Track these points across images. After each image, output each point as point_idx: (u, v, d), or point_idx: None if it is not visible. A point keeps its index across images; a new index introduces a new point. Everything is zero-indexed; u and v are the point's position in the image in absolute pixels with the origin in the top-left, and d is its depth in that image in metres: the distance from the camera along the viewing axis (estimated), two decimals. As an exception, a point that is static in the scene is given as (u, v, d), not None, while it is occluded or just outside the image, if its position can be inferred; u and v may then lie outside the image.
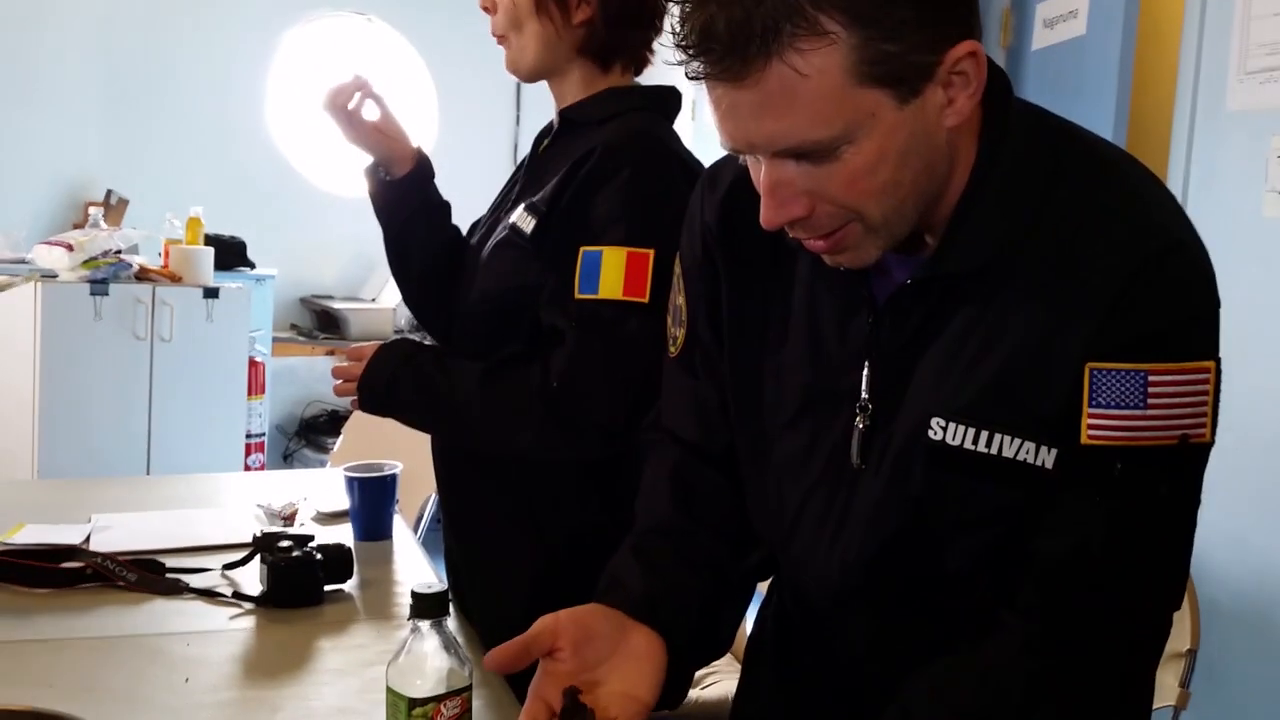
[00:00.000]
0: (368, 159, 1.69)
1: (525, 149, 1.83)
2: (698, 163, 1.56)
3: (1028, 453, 0.88)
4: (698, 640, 1.04)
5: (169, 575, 1.56)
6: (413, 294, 1.76)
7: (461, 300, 1.63)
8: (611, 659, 0.97)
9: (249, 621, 1.44)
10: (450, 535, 1.74)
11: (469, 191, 1.87)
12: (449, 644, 0.96)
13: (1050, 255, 0.88)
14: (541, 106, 1.71)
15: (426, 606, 0.95)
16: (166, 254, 4.08)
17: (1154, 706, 1.62)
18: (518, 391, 1.48)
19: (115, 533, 1.74)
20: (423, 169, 1.68)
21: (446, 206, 1.72)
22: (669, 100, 1.61)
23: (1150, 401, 0.85)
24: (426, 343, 1.69)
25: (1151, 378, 0.85)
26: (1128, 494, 0.88)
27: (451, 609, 1.50)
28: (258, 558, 1.53)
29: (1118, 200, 0.89)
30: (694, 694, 2.08)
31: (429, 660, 0.95)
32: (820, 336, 0.99)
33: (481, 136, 5.29)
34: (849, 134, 0.82)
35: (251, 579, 1.54)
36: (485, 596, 1.62)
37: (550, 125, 1.65)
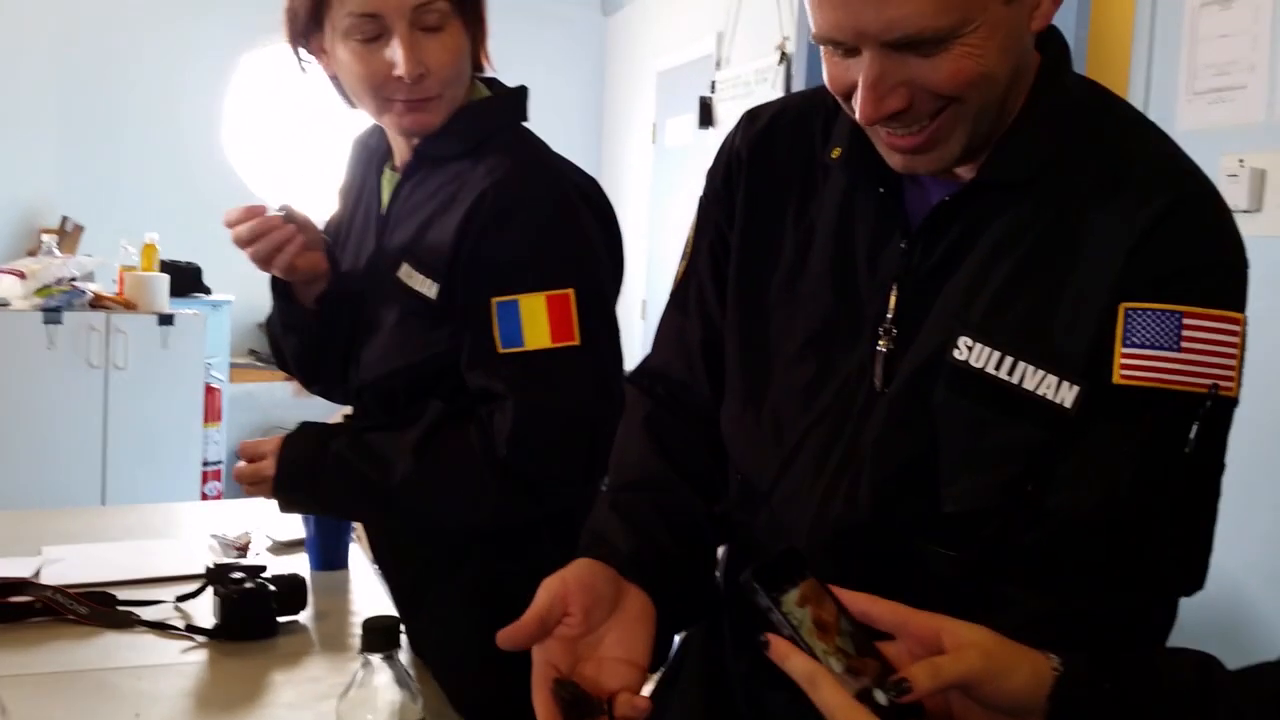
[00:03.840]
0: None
1: None
2: (584, 175, 1.51)
3: (1049, 388, 0.87)
4: (682, 600, 1.01)
5: (121, 608, 1.53)
6: (302, 375, 1.70)
7: (366, 370, 1.53)
8: (610, 621, 0.94)
9: (201, 655, 1.42)
10: (392, 579, 1.68)
11: None
12: (401, 678, 0.95)
13: (1090, 182, 0.90)
14: None
15: (377, 640, 0.93)
16: (121, 281, 4.04)
17: None
18: (462, 464, 1.40)
19: (66, 565, 1.71)
20: (332, 287, 1.58)
21: (347, 304, 1.58)
22: (521, 103, 1.53)
23: (1184, 345, 0.85)
24: (332, 424, 1.59)
25: (1186, 320, 0.85)
26: (1156, 444, 0.87)
27: (403, 641, 1.50)
28: (211, 590, 1.50)
29: (1159, 143, 0.94)
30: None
31: (380, 694, 0.93)
32: (849, 263, 0.99)
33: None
34: (964, 24, 0.83)
35: (205, 611, 1.52)
36: (436, 630, 1.57)
37: (383, 151, 1.57)
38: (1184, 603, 0.91)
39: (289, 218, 1.50)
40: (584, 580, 0.94)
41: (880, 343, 0.95)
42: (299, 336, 1.62)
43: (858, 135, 0.97)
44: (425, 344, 1.43)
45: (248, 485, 1.52)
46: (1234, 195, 2.17)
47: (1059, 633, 0.86)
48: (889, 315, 0.95)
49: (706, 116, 4.31)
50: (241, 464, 1.54)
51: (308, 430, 1.51)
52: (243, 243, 1.50)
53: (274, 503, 1.54)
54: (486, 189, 1.39)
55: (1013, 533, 0.90)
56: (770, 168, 1.07)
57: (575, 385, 1.34)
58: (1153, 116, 2.60)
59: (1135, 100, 2.52)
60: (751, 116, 1.12)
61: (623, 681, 0.91)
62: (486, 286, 1.38)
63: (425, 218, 1.46)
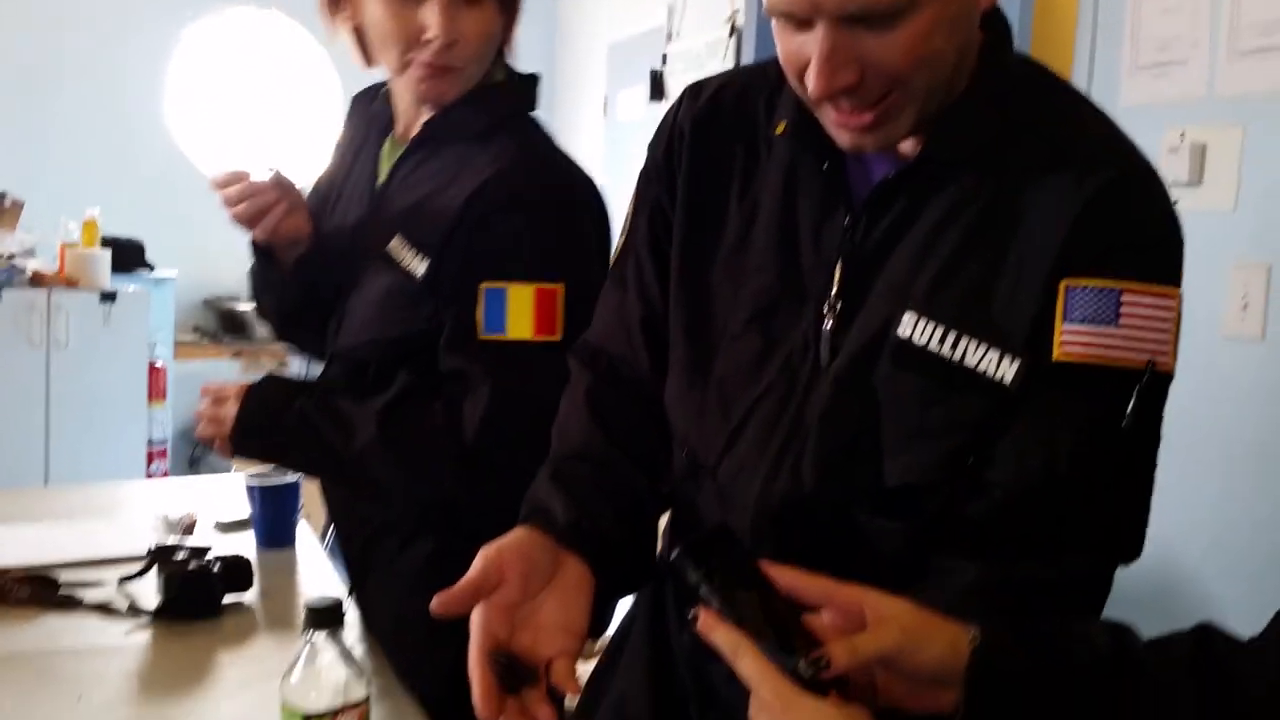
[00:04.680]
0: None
1: None
2: (584, 174, 1.50)
3: (990, 363, 0.88)
4: (620, 570, 1.01)
5: (63, 590, 1.51)
6: (302, 345, 1.69)
7: (333, 337, 1.52)
8: (548, 590, 0.94)
9: (145, 636, 1.41)
10: (345, 538, 1.66)
11: None
12: (345, 655, 0.94)
13: (1031, 160, 0.91)
14: None
15: (321, 618, 0.93)
16: (62, 258, 3.97)
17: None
18: (426, 439, 1.39)
19: (7, 547, 1.68)
20: (314, 251, 1.56)
21: (328, 269, 1.56)
22: (533, 91, 1.53)
23: (1122, 320, 0.87)
24: (300, 380, 1.58)
25: (1125, 296, 0.87)
26: (1095, 418, 0.88)
27: (353, 616, 1.49)
28: (154, 570, 1.49)
29: (1099, 123, 0.95)
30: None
31: (325, 673, 0.93)
32: (793, 239, 0.99)
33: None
34: (915, 1, 0.84)
35: (148, 592, 1.50)
36: (384, 601, 1.57)
37: (386, 120, 1.55)
38: (1125, 573, 0.93)
39: (277, 182, 1.49)
40: (521, 549, 0.94)
41: (825, 319, 0.96)
42: (276, 296, 1.60)
43: (803, 110, 0.97)
44: (405, 320, 1.42)
45: (205, 426, 1.50)
46: (1175, 169, 2.19)
47: (999, 602, 0.88)
48: (833, 291, 0.96)
49: (658, 89, 4.29)
50: (203, 405, 1.51)
51: (274, 382, 1.50)
52: (230, 204, 1.50)
53: (221, 480, 1.52)
54: (491, 176, 1.38)
55: (956, 505, 0.91)
56: (713, 143, 1.07)
57: (550, 380, 1.30)
58: (1096, 91, 2.63)
59: (1079, 74, 2.54)
60: (694, 91, 1.11)
61: (559, 648, 0.91)
62: (477, 271, 1.37)
63: (424, 195, 1.45)
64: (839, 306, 0.95)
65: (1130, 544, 0.92)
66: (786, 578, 0.80)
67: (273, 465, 1.52)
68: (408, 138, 1.52)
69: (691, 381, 1.04)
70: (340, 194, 1.61)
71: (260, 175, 1.50)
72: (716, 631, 0.76)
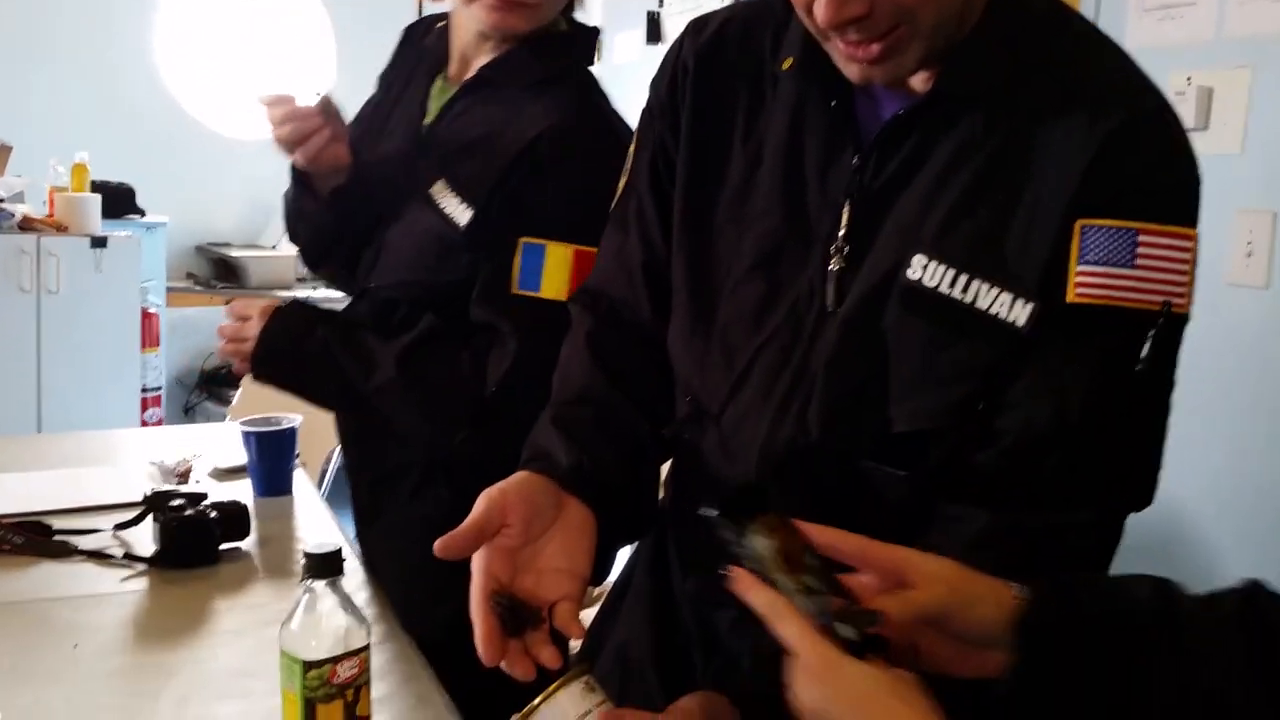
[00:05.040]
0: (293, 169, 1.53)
1: None
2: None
3: (1002, 306, 0.86)
4: (623, 515, 1.00)
5: (57, 537, 1.50)
6: (328, 274, 1.65)
7: (366, 272, 1.49)
8: (550, 533, 0.93)
9: (141, 583, 1.40)
10: (356, 482, 1.65)
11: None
12: (345, 603, 0.93)
13: (1046, 97, 0.89)
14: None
15: (320, 566, 0.91)
16: (51, 202, 3.92)
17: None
18: (445, 386, 1.37)
19: (1, 494, 1.66)
20: (354, 180, 1.51)
21: (365, 200, 1.54)
22: (594, 44, 1.50)
23: (1138, 261, 0.85)
24: (327, 308, 1.55)
25: (1141, 237, 0.85)
26: (1109, 361, 0.86)
27: (358, 563, 1.48)
28: (150, 517, 1.47)
29: (1116, 59, 0.92)
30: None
31: (324, 621, 0.92)
32: (799, 180, 0.97)
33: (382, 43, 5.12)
34: None
35: (144, 539, 1.49)
36: (393, 544, 1.56)
37: (437, 58, 1.52)
38: (1133, 525, 0.91)
39: (323, 109, 1.45)
40: (523, 492, 0.93)
41: (832, 261, 0.94)
42: (310, 225, 1.57)
43: (810, 45, 0.94)
44: (441, 267, 1.40)
45: (227, 344, 1.49)
46: (1182, 113, 2.13)
47: (1008, 550, 0.86)
48: (841, 233, 0.93)
49: (654, 32, 4.22)
50: (226, 322, 1.50)
51: (300, 307, 1.48)
52: (275, 124, 1.45)
53: (216, 427, 1.50)
54: (546, 129, 1.35)
55: (964, 452, 0.89)
56: (717, 79, 1.04)
57: None
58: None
59: (1085, 14, 2.50)
60: (698, 26, 1.08)
61: (562, 592, 0.90)
62: (519, 225, 1.34)
63: (473, 140, 1.42)
64: (846, 249, 0.93)
65: (1142, 491, 0.90)
66: (825, 536, 0.78)
67: (288, 392, 1.49)
68: (461, 79, 1.48)
69: (695, 328, 1.02)
70: (382, 130, 1.57)
71: (307, 100, 1.45)
72: (754, 592, 0.74)
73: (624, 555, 1.13)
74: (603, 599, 1.24)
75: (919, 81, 0.93)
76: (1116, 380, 0.87)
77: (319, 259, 1.64)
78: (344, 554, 0.94)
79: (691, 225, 1.04)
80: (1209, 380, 2.10)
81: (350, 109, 1.57)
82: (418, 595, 1.38)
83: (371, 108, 1.63)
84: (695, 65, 1.05)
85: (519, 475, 0.95)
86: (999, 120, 0.89)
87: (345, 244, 1.54)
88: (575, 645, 1.13)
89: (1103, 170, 0.86)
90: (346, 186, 1.50)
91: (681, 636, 1.09)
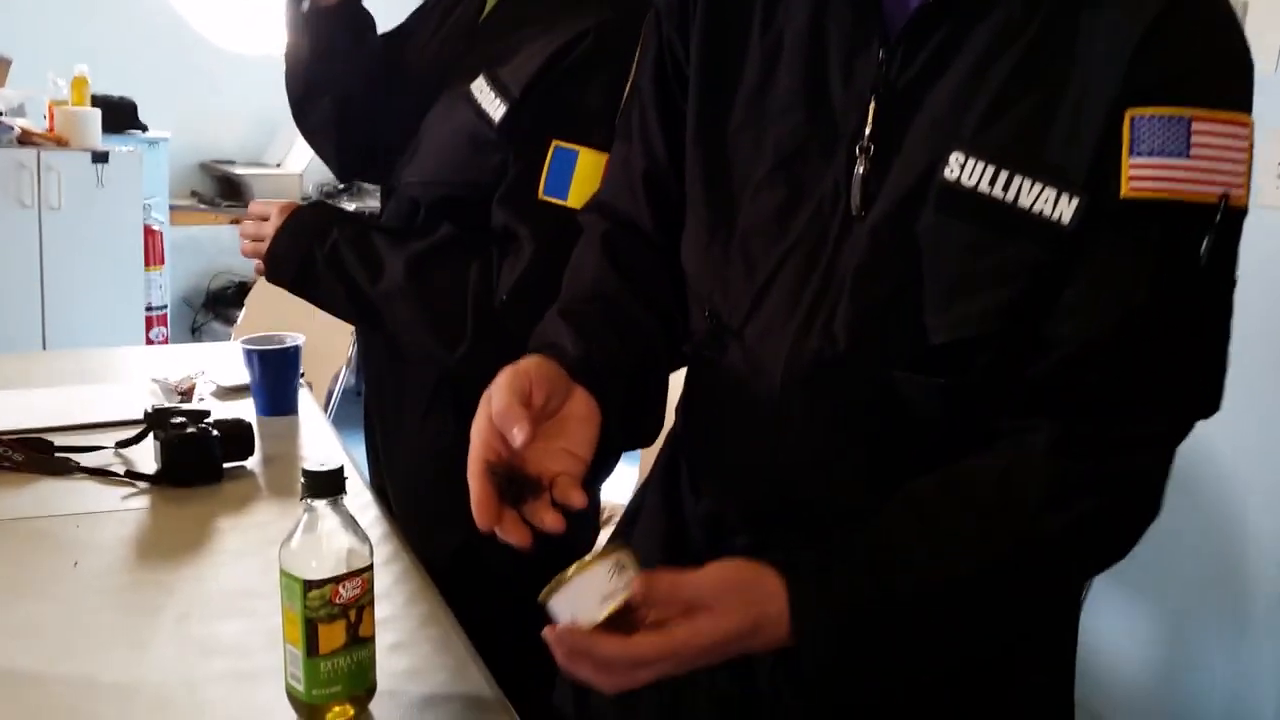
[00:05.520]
0: None
1: None
2: None
3: (1046, 202, 0.82)
4: (629, 413, 0.97)
5: (58, 454, 1.48)
6: (315, 123, 1.56)
7: (402, 168, 1.45)
8: (558, 416, 0.90)
9: (143, 501, 1.38)
10: (370, 405, 1.63)
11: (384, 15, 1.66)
12: (347, 523, 0.90)
13: None
14: None
15: (320, 485, 0.88)
16: (51, 116, 3.86)
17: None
18: (452, 294, 1.32)
19: (1, 412, 1.64)
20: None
21: (374, 26, 1.51)
22: None
23: (1193, 151, 0.80)
24: (345, 209, 1.53)
25: (1195, 125, 0.80)
26: (1169, 259, 0.82)
27: (363, 485, 1.46)
28: (152, 435, 1.45)
29: None
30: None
31: (325, 541, 0.89)
32: (821, 77, 0.92)
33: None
34: None
35: (146, 457, 1.47)
36: (401, 470, 1.54)
37: None
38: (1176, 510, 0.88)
39: None
40: (541, 370, 0.89)
41: (857, 163, 0.89)
42: (311, 45, 1.48)
43: None
44: (472, 166, 1.35)
45: (247, 242, 1.47)
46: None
47: (1083, 458, 0.83)
48: (867, 131, 0.88)
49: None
50: (247, 222, 1.48)
51: (318, 208, 1.45)
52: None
53: (220, 346, 1.47)
54: (591, 27, 1.29)
55: (1012, 364, 0.85)
56: None
57: None
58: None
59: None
60: None
61: (564, 467, 0.87)
62: (554, 125, 1.29)
63: (519, 37, 1.36)
64: (872, 149, 0.88)
65: (1211, 396, 0.85)
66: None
67: (300, 294, 1.45)
68: None
69: (713, 238, 0.97)
70: (441, 25, 1.52)
71: None
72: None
73: (631, 482, 1.10)
74: (615, 523, 1.21)
75: None
76: (1179, 278, 0.82)
77: (349, 139, 1.56)
78: (346, 474, 0.91)
79: (707, 128, 0.99)
80: (1238, 307, 2.05)
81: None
82: (425, 520, 1.36)
83: (421, 15, 1.57)
84: None
85: (531, 357, 0.92)
86: (1035, 6, 0.84)
87: (382, 145, 1.49)
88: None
89: (1152, 54, 0.80)
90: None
91: (692, 559, 1.07)
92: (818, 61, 0.92)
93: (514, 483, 0.83)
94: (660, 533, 1.10)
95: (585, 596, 0.77)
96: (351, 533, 0.90)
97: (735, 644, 0.79)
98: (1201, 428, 0.86)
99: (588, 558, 0.77)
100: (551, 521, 0.83)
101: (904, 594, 0.81)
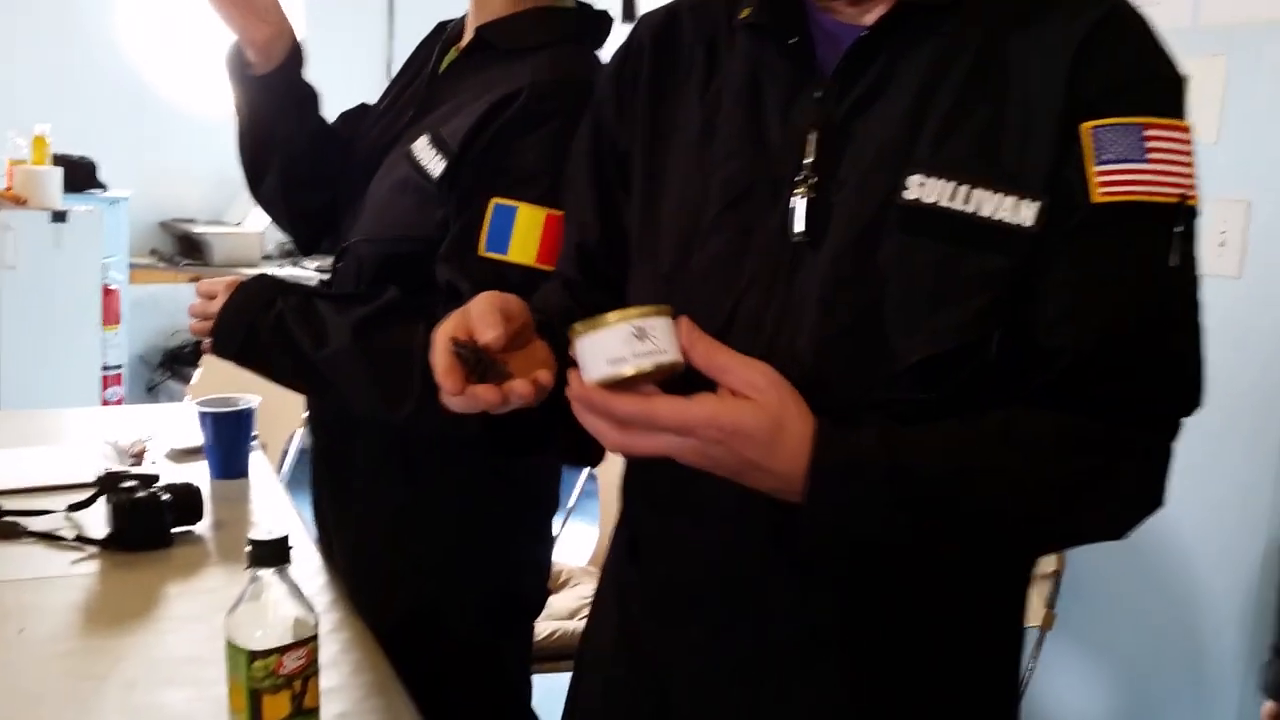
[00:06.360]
0: (230, 44, 1.49)
1: (400, 60, 1.65)
2: None
3: (1006, 210, 0.85)
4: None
5: (7, 518, 1.46)
6: (266, 194, 1.58)
7: (346, 231, 1.47)
8: (524, 349, 0.90)
9: (92, 566, 1.36)
10: (318, 470, 1.63)
11: (341, 106, 1.70)
12: (293, 592, 0.90)
13: (1012, 4, 0.89)
14: (417, 14, 1.55)
15: (266, 554, 0.88)
16: (10, 175, 3.85)
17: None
18: (398, 354, 1.32)
19: (-53, 474, 1.62)
20: (296, 57, 1.49)
21: (315, 97, 1.54)
22: (601, 28, 1.46)
23: (1150, 156, 0.85)
24: (292, 281, 1.53)
25: (1146, 131, 0.85)
26: (1145, 261, 0.86)
27: (313, 549, 1.45)
28: (103, 499, 1.44)
29: None
30: (567, 625, 2.07)
31: (271, 610, 0.89)
32: (761, 120, 0.96)
33: (353, 42, 5.07)
34: None
35: (97, 521, 1.45)
36: (350, 534, 1.53)
37: (457, 30, 1.50)
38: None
39: None
40: (519, 302, 0.91)
41: (802, 193, 0.91)
42: (250, 111, 1.51)
43: None
44: (412, 221, 1.36)
45: (196, 322, 1.45)
46: (1155, 101, 2.16)
47: (1092, 456, 0.85)
48: (809, 163, 0.91)
49: (629, 9, 4.20)
50: (195, 301, 1.46)
51: (262, 281, 1.44)
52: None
53: (174, 407, 1.46)
54: (525, 86, 1.32)
55: (1014, 376, 0.87)
56: (673, 49, 1.03)
57: None
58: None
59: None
60: (647, 15, 1.08)
61: (525, 375, 0.87)
62: (493, 183, 1.31)
63: (459, 100, 1.40)
64: (816, 181, 0.91)
65: (1195, 391, 0.89)
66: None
67: (247, 367, 1.44)
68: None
69: (671, 285, 0.99)
70: (395, 101, 1.55)
71: None
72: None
73: (590, 544, 1.10)
74: (570, 585, 1.21)
75: (872, 17, 0.92)
76: (1155, 279, 0.86)
77: (294, 205, 1.58)
78: (294, 541, 0.91)
79: (654, 183, 1.02)
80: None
81: (321, 75, 1.54)
82: (375, 583, 1.35)
83: (387, 91, 1.61)
84: (650, 41, 1.04)
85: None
86: (969, 31, 0.89)
87: (319, 188, 1.52)
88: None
89: (1090, 68, 0.85)
90: (292, 59, 1.48)
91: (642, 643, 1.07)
92: (756, 108, 0.96)
93: (479, 362, 0.84)
94: (613, 624, 1.10)
95: (596, 354, 0.79)
96: (297, 601, 0.90)
97: (752, 447, 0.80)
98: (1169, 490, 0.88)
99: (626, 311, 0.79)
100: (521, 388, 0.84)
101: (918, 470, 0.83)
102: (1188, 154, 0.86)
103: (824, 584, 0.92)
